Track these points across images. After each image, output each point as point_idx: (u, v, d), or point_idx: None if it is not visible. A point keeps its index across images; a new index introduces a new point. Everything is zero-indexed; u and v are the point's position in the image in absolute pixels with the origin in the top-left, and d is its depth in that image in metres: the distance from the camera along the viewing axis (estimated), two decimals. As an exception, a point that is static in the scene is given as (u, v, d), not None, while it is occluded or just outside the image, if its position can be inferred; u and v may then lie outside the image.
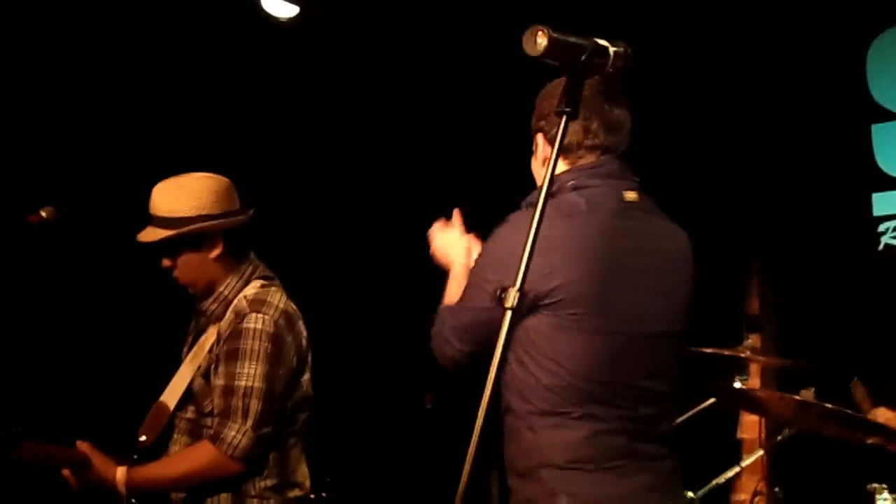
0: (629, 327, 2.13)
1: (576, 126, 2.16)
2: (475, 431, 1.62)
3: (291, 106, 4.60)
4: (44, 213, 2.49)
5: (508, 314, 1.68)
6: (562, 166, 2.19)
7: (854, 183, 4.44)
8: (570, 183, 2.17)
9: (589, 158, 2.21)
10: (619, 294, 2.12)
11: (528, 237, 1.67)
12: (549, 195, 1.72)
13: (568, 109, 1.78)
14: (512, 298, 1.68)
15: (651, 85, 4.46)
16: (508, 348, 1.94)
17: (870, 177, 4.43)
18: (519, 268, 1.68)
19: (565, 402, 2.08)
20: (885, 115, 4.43)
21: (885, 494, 2.84)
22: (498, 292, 1.68)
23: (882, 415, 3.41)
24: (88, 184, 3.96)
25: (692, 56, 4.50)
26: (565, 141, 1.93)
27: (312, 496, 3.77)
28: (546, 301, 2.06)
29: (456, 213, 2.42)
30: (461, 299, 2.21)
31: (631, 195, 2.24)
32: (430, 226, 2.45)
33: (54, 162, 3.98)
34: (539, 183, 2.10)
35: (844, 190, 4.43)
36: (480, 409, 1.61)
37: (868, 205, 4.43)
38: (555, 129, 1.79)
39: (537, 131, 2.27)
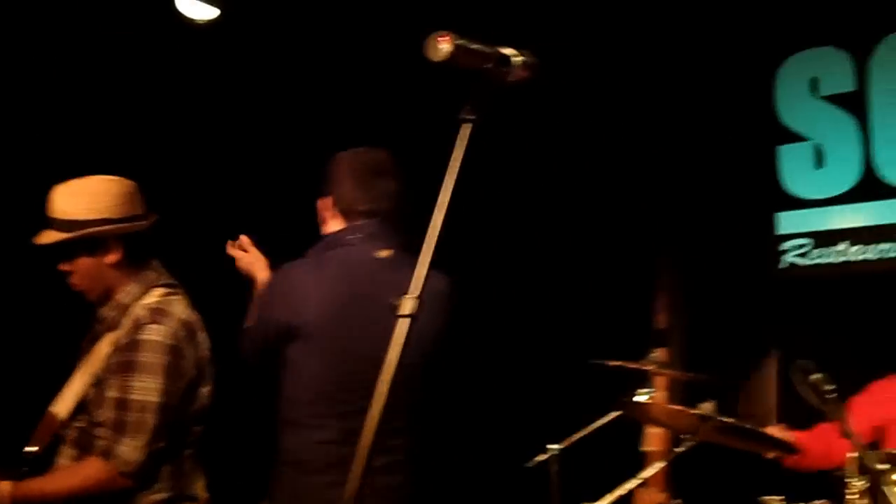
0: (360, 358, 2.56)
1: (353, 193, 2.71)
2: (367, 433, 1.61)
3: (206, 109, 4.52)
4: None
5: (407, 322, 1.67)
6: (340, 224, 2.72)
7: (760, 202, 4.56)
8: (336, 239, 2.70)
9: (357, 221, 2.70)
10: (354, 332, 2.59)
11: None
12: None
13: (472, 118, 1.78)
14: (409, 307, 1.68)
15: (555, 111, 4.54)
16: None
17: (775, 196, 4.55)
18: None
19: (307, 413, 2.60)
20: (790, 137, 4.56)
21: (778, 506, 2.90)
22: (392, 301, 1.68)
23: (772, 430, 3.51)
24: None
25: (605, 74, 4.57)
26: (343, 206, 2.70)
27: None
28: (298, 332, 2.59)
29: (244, 238, 2.93)
30: (253, 320, 2.73)
31: (384, 253, 2.68)
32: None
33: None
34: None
35: (751, 209, 4.55)
36: (373, 412, 1.61)
37: (773, 224, 4.55)
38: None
39: (324, 195, 2.78)
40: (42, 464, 2.52)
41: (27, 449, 2.54)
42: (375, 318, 2.44)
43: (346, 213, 2.72)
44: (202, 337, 2.58)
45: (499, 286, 4.66)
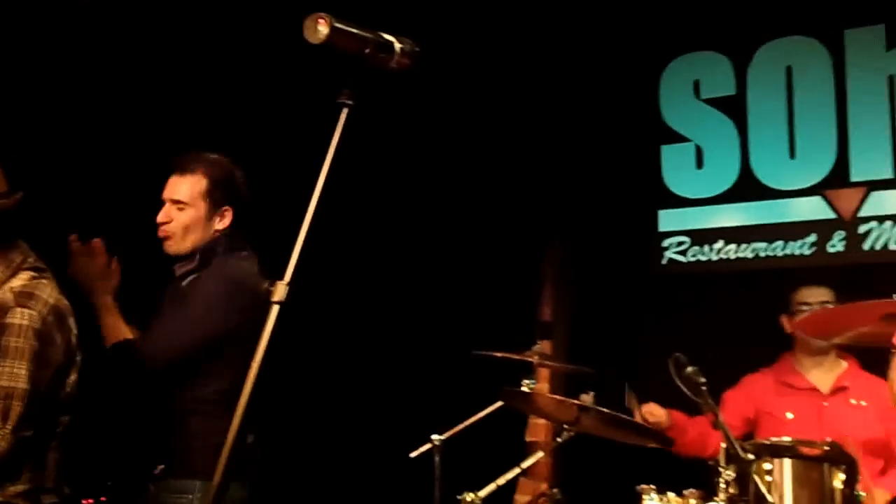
0: None
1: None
2: (236, 416, 1.61)
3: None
4: None
5: (276, 308, 1.66)
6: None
7: (643, 199, 4.67)
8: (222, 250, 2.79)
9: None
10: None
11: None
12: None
13: (350, 103, 1.77)
14: (280, 293, 1.67)
15: (446, 100, 4.56)
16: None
17: (657, 194, 4.67)
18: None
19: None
20: (674, 137, 4.69)
21: (653, 495, 2.98)
22: (266, 286, 1.67)
23: (649, 409, 3.62)
24: None
25: (500, 67, 4.61)
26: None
27: (89, 501, 3.61)
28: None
29: (98, 243, 2.81)
30: (179, 327, 2.70)
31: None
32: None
33: None
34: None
35: (634, 205, 4.66)
36: (243, 398, 1.60)
37: (655, 221, 4.68)
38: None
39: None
40: None
41: None
42: None
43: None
44: (71, 322, 2.51)
45: (384, 275, 4.65)
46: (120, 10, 4.29)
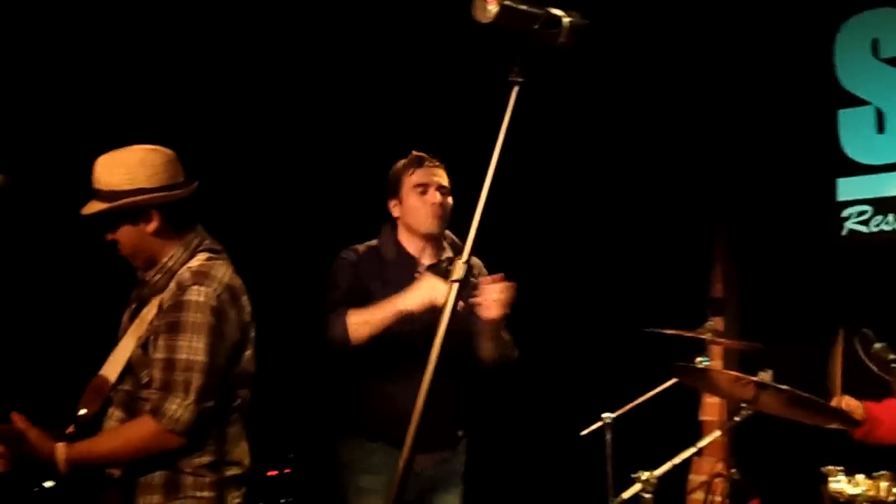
0: None
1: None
2: (420, 397, 1.63)
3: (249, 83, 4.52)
4: None
5: (455, 286, 1.68)
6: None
7: (820, 168, 4.45)
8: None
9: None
10: None
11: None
12: None
13: (521, 80, 1.76)
14: (459, 271, 1.68)
15: (612, 77, 4.47)
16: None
17: (835, 162, 4.44)
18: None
19: None
20: (851, 101, 4.44)
21: (840, 477, 2.84)
22: (444, 265, 1.69)
23: (846, 402, 3.43)
24: (49, 153, 3.89)
25: (663, 39, 4.49)
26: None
27: (274, 473, 3.78)
28: None
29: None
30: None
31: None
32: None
33: (8, 130, 3.91)
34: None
35: (810, 175, 4.44)
36: (426, 378, 1.61)
37: (833, 190, 4.45)
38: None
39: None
40: (93, 427, 2.55)
41: (79, 412, 2.57)
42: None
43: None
44: (245, 301, 2.60)
45: (557, 255, 4.63)
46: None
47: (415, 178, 3.14)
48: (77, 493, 2.52)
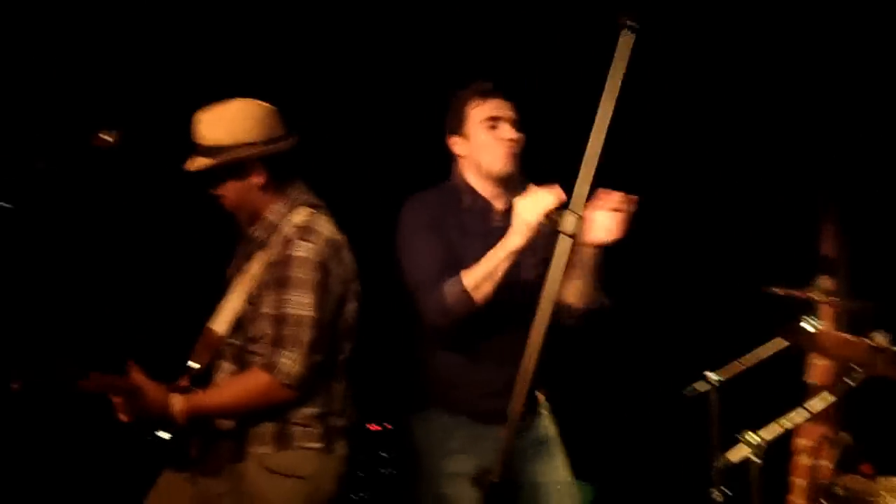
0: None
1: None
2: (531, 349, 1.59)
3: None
4: (108, 137, 2.45)
5: (566, 240, 1.64)
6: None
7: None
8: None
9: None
10: None
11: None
12: None
13: (633, 25, 1.69)
14: (570, 224, 1.64)
15: (721, 36, 4.30)
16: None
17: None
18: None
19: None
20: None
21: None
22: (554, 214, 1.64)
23: None
24: (155, 108, 3.96)
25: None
26: None
27: (374, 427, 3.83)
28: None
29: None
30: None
31: None
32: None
33: (118, 85, 3.99)
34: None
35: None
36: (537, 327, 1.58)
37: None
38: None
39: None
40: (202, 380, 2.61)
41: (190, 365, 2.63)
42: None
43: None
44: (346, 254, 2.61)
45: (666, 212, 4.51)
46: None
47: (484, 110, 2.74)
48: (189, 443, 2.59)
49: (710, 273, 4.26)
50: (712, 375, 3.24)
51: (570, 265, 2.56)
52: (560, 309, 2.67)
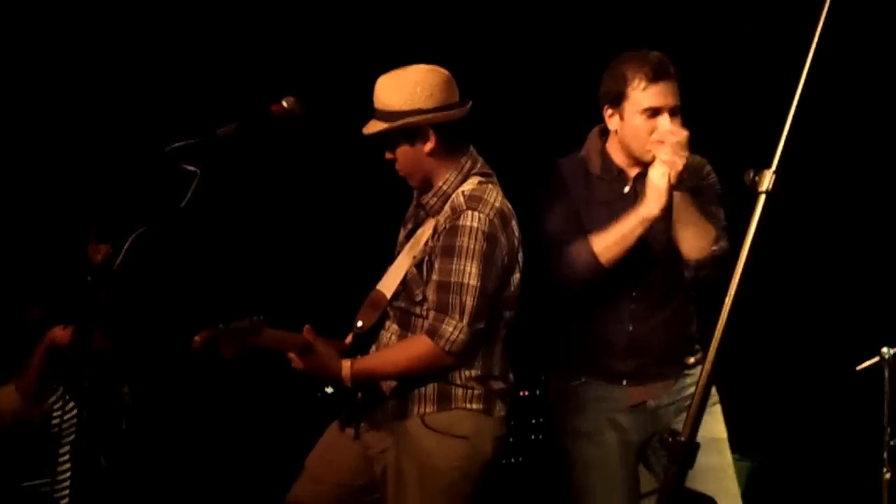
0: None
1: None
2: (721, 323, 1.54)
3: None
4: (286, 104, 2.50)
5: (763, 199, 1.56)
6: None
7: None
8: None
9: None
10: None
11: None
12: None
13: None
14: (767, 181, 1.57)
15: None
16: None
17: None
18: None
19: None
20: None
21: None
22: (752, 175, 1.56)
23: None
24: (331, 73, 4.04)
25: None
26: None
27: (526, 393, 3.86)
28: None
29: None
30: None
31: None
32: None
33: (292, 54, 4.08)
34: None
35: None
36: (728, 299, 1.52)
37: None
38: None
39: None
40: (367, 339, 2.68)
41: (356, 324, 2.70)
42: None
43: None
44: (514, 226, 2.63)
45: (839, 183, 4.31)
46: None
47: (646, 97, 2.55)
48: (355, 401, 2.66)
49: (888, 245, 4.05)
50: (887, 350, 3.10)
51: (674, 221, 2.55)
52: (687, 265, 2.63)
